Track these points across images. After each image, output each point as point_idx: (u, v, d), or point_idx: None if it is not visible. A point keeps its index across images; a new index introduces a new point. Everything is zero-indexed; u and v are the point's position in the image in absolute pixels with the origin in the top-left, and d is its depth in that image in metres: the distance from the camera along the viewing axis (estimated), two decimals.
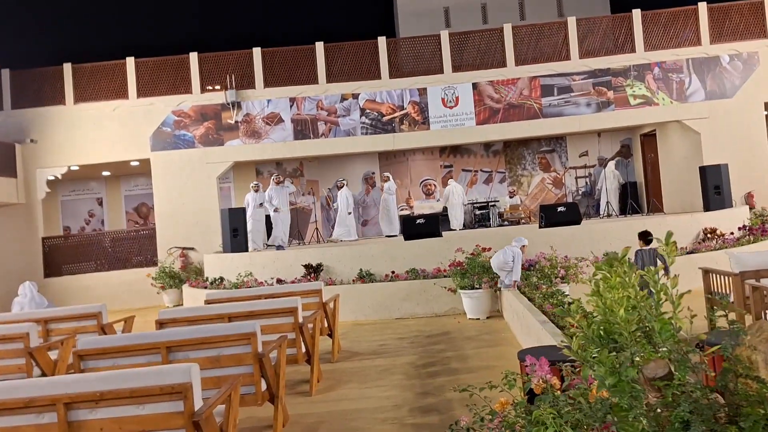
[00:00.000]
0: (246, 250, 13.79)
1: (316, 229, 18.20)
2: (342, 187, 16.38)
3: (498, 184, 19.35)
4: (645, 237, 9.74)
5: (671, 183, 17.54)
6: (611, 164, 17.49)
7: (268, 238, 15.36)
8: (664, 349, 2.36)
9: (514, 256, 9.96)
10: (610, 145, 19.23)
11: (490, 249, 11.02)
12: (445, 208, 17.41)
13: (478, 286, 10.58)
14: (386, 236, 16.36)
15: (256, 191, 14.90)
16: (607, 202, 16.72)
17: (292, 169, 19.41)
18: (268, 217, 15.33)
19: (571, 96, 16.91)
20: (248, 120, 17.10)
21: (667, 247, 2.60)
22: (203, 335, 5.24)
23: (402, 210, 19.26)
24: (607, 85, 16.86)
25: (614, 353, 2.41)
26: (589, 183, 18.99)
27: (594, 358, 2.43)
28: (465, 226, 18.18)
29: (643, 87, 16.82)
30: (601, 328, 2.60)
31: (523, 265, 10.60)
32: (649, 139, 18.59)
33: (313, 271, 12.07)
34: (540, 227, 12.85)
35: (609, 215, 16.73)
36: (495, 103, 17.08)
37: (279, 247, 14.12)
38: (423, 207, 19.20)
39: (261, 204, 14.76)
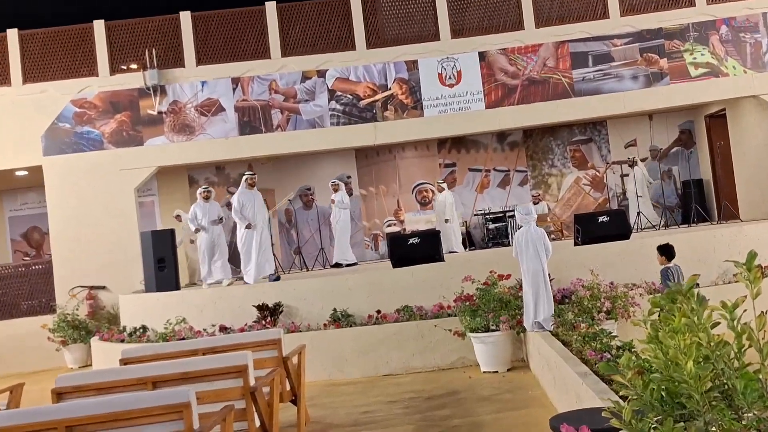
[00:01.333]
0: (176, 287, 13.69)
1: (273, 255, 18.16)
2: (338, 190, 16.28)
3: (517, 188, 19.42)
4: (668, 252, 9.85)
5: (748, 179, 17.61)
6: (640, 166, 17.63)
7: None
8: (751, 415, 2.32)
9: (542, 238, 10.00)
10: (666, 130, 19.38)
11: (509, 277, 11.00)
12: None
13: (494, 328, 10.55)
14: (334, 265, 16.22)
15: (207, 199, 14.60)
16: (639, 213, 16.86)
17: (238, 175, 19.35)
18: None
19: (611, 67, 17.01)
20: (176, 110, 17.05)
21: (750, 273, 2.56)
22: (118, 409, 5.16)
23: (388, 225, 19.26)
24: (659, 50, 17.01)
25: (681, 423, 2.37)
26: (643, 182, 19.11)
27: (654, 430, 2.39)
28: (468, 245, 18.20)
29: (707, 52, 16.98)
30: (663, 387, 2.55)
31: (554, 291, 10.60)
32: (718, 121, 18.71)
33: (270, 313, 11.99)
34: (575, 244, 12.84)
35: (654, 227, 16.82)
36: (510, 79, 17.15)
37: (274, 277, 13.77)
38: (417, 221, 19.22)
39: (220, 219, 14.49)
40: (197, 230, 14.46)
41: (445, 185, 17.82)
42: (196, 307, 12.73)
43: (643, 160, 18.87)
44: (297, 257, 18.27)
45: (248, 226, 13.54)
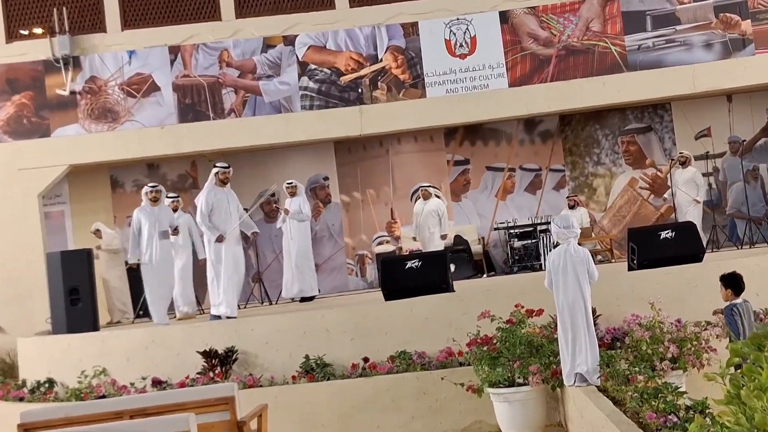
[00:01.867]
0: (93, 326, 13.62)
1: None
2: (295, 194, 16.21)
3: (552, 193, 19.44)
4: (735, 284, 9.80)
5: None
6: (691, 168, 17.42)
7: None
8: None
9: (585, 261, 9.93)
10: (751, 116, 19.40)
11: (541, 312, 10.97)
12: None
13: (521, 381, 10.51)
14: (299, 299, 16.14)
15: (155, 201, 14.41)
16: (714, 226, 16.89)
17: (177, 177, 19.33)
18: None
19: (677, 31, 17.08)
20: (95, 89, 17.05)
21: None
22: None
23: (379, 244, 19.23)
24: (741, 9, 17.11)
25: None
26: (715, 185, 19.12)
27: None
28: (486, 270, 18.19)
29: None
30: None
31: (601, 332, 10.57)
32: None
33: (220, 362, 11.94)
34: (630, 268, 12.84)
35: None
36: (542, 47, 17.20)
37: (215, 317, 13.75)
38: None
39: (174, 230, 14.39)
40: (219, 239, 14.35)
41: (435, 191, 17.65)
42: (120, 353, 12.63)
43: (718, 156, 18.90)
44: (256, 286, 18.18)
45: (219, 239, 13.49)
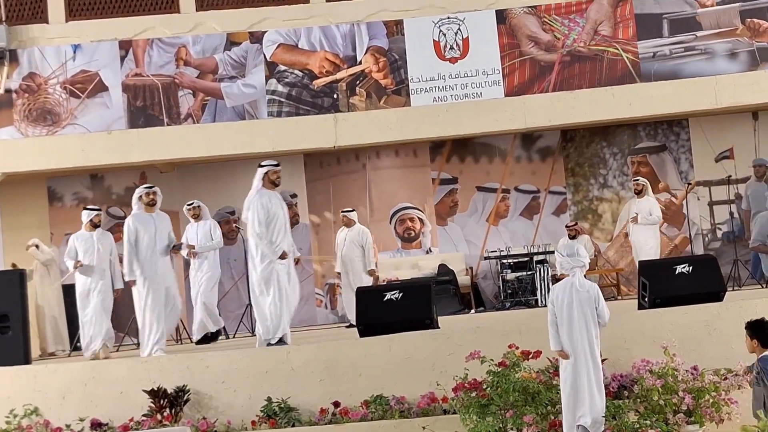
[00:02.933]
0: (25, 359, 13.51)
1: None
2: (200, 217, 16.03)
3: (551, 218, 19.48)
4: (764, 334, 9.77)
5: None
6: (649, 198, 17.48)
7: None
8: None
9: (594, 298, 9.91)
10: None
11: (538, 355, 10.96)
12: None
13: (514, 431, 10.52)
14: (201, 341, 16.00)
15: (152, 207, 14.32)
16: (735, 261, 16.98)
17: (123, 190, 19.26)
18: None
19: (697, 38, 17.17)
20: (33, 87, 17.02)
21: None
22: None
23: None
24: None
25: None
26: (738, 214, 19.16)
27: None
28: (475, 305, 18.19)
29: None
30: None
31: (607, 379, 10.56)
32: None
33: (170, 403, 11.88)
34: (641, 307, 12.86)
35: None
36: (544, 52, 17.25)
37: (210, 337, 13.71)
38: (398, 266, 19.19)
39: (174, 247, 14.33)
40: (77, 265, 14.38)
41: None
42: (55, 390, 12.52)
43: (741, 181, 18.95)
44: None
45: (282, 256, 13.30)
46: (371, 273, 16.74)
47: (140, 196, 13.86)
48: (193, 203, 16.10)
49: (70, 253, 14.56)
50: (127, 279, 13.99)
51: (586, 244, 18.27)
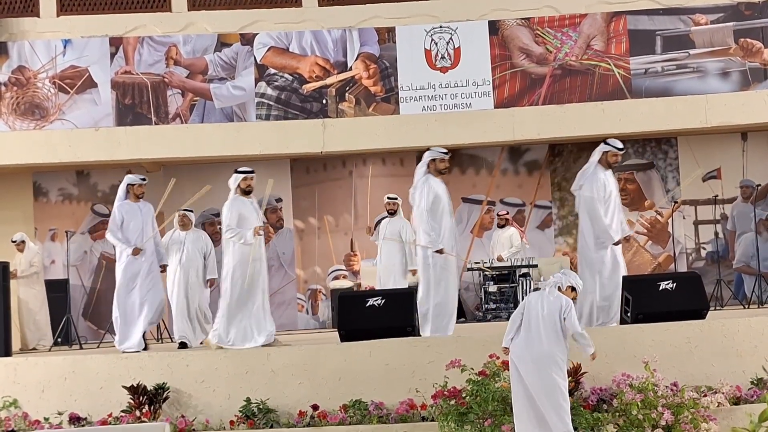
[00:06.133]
0: (5, 352, 13.52)
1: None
2: (185, 226, 15.83)
3: (536, 231, 19.45)
4: None
5: None
6: (510, 228, 17.70)
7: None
8: None
9: (563, 308, 9.87)
10: (767, 156, 19.44)
11: None
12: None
13: None
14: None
15: (138, 199, 14.17)
16: (720, 281, 17.07)
17: (109, 188, 19.20)
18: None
19: (690, 56, 17.21)
20: (22, 81, 16.98)
21: None
22: None
23: (335, 278, 19.16)
24: (764, 35, 17.23)
25: None
26: (723, 234, 19.18)
27: None
28: (457, 315, 18.13)
29: None
30: None
31: (586, 392, 10.55)
32: None
33: (149, 400, 11.85)
34: (623, 321, 12.85)
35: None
36: (535, 65, 17.26)
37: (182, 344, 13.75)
38: (380, 272, 19.13)
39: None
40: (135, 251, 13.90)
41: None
42: (35, 383, 12.50)
43: (728, 201, 18.97)
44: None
45: (135, 251, 13.59)
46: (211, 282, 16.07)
47: (132, 184, 13.90)
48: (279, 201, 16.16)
49: (115, 224, 13.86)
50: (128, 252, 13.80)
51: (512, 235, 18.28)
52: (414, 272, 16.33)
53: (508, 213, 18.54)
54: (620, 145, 13.14)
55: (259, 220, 13.78)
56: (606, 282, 12.93)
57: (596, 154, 13.22)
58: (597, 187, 13.01)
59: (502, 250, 17.82)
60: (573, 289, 10.02)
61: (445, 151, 13.27)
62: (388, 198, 16.77)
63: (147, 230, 13.85)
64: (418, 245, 13.59)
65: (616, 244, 13.02)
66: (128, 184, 13.87)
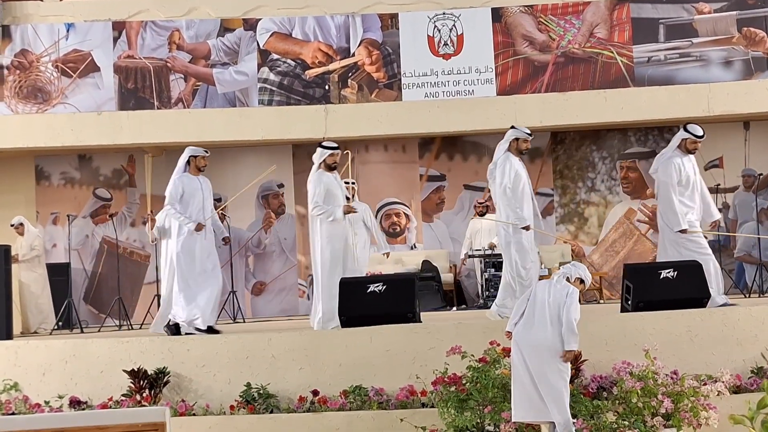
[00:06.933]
0: (7, 335, 13.58)
1: (158, 297, 17.94)
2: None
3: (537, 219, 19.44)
4: None
5: None
6: (491, 216, 17.69)
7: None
8: None
9: (568, 294, 9.87)
10: None
11: None
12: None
13: (492, 428, 10.50)
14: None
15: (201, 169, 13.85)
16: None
17: (111, 172, 19.22)
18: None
19: (693, 44, 17.20)
20: (25, 64, 16.96)
21: None
22: None
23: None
24: (766, 24, 17.21)
25: None
26: (724, 223, 19.14)
27: None
28: (457, 303, 18.14)
29: None
30: None
31: (586, 379, 10.56)
32: None
33: (150, 384, 11.86)
34: (623, 310, 12.85)
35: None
36: (538, 52, 17.24)
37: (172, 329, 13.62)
38: (382, 260, 19.12)
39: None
40: (198, 227, 13.51)
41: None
42: (35, 367, 12.52)
43: (729, 191, 18.94)
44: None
45: (198, 227, 13.34)
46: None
47: (195, 157, 13.57)
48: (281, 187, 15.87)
49: (175, 198, 13.45)
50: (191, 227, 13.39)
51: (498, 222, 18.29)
52: (387, 255, 16.37)
53: (487, 200, 18.57)
54: (699, 132, 13.02)
55: (344, 197, 13.69)
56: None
57: (675, 140, 13.20)
58: (670, 171, 13.00)
59: (488, 237, 17.81)
60: (581, 281, 10.03)
61: (530, 131, 13.39)
62: (346, 182, 16.38)
63: (207, 205, 13.63)
64: (498, 221, 13.55)
65: (682, 232, 12.96)
66: (190, 156, 13.57)
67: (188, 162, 13.56)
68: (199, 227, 13.35)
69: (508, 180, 13.04)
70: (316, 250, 13.64)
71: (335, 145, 13.57)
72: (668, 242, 13.18)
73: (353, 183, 15.56)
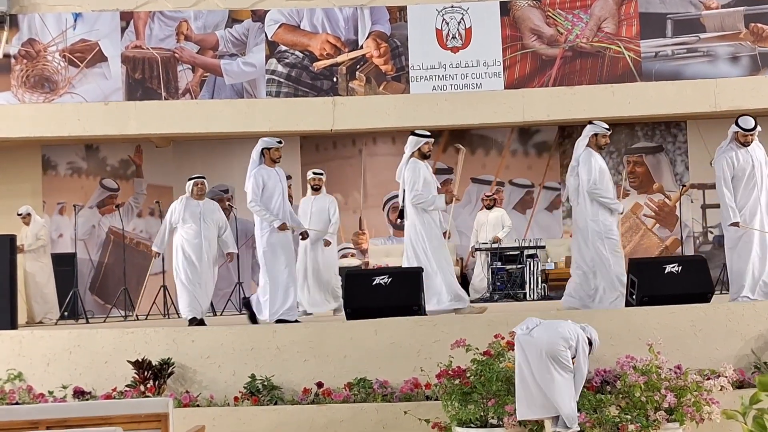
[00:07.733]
0: (11, 324, 13.60)
1: (164, 288, 17.97)
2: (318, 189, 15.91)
3: (544, 213, 19.45)
4: None
5: None
6: (498, 209, 17.70)
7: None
8: None
9: (578, 340, 9.89)
10: None
11: None
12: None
13: (495, 422, 10.48)
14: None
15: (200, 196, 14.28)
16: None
17: (118, 162, 19.24)
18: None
19: (700, 39, 17.18)
20: (32, 54, 16.97)
21: None
22: None
23: (343, 256, 19.13)
24: None
25: None
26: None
27: None
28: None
29: None
30: None
31: (590, 373, 10.55)
32: None
33: (154, 375, 11.86)
34: (627, 304, 12.85)
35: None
36: (546, 46, 17.23)
37: (196, 321, 13.67)
38: (388, 252, 19.15)
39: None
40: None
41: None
42: (40, 357, 12.51)
43: None
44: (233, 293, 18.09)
45: (282, 227, 13.24)
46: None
47: (269, 147, 13.41)
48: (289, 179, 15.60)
49: (257, 194, 13.27)
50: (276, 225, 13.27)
51: (502, 216, 18.30)
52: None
53: (494, 194, 18.60)
54: (749, 124, 12.91)
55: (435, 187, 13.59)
56: (736, 258, 13.03)
57: (730, 133, 13.17)
58: (724, 165, 12.97)
59: (493, 231, 17.84)
60: (590, 343, 10.07)
61: (608, 126, 13.42)
62: (314, 173, 16.29)
63: (285, 198, 13.55)
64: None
65: (733, 225, 12.86)
66: (263, 148, 13.41)
67: (262, 154, 13.45)
68: (284, 227, 13.27)
69: (596, 175, 13.07)
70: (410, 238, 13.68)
71: (428, 133, 13.41)
72: (726, 236, 13.21)
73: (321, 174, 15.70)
